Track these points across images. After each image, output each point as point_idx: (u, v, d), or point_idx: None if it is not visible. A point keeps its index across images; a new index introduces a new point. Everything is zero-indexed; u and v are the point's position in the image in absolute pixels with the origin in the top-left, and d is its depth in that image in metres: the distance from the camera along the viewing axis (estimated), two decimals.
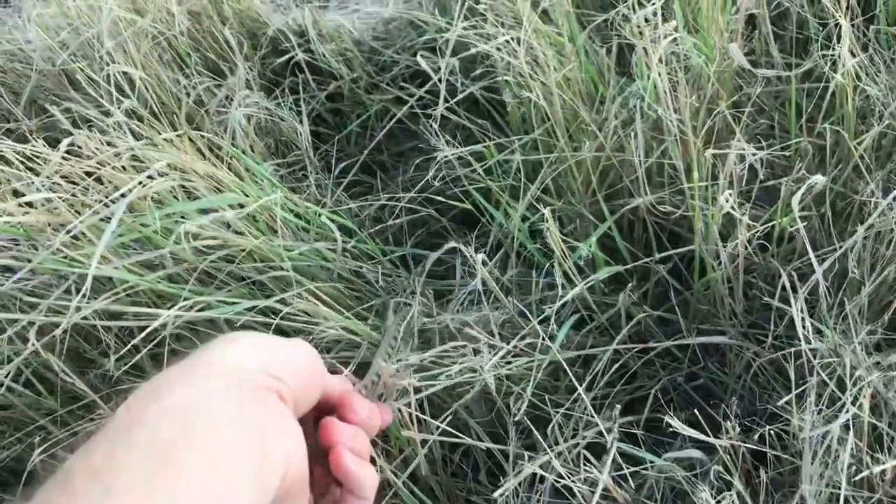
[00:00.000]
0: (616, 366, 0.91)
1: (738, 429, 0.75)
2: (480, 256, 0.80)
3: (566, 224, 1.02)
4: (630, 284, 0.89)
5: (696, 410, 0.95)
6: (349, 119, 1.27)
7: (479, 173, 0.94)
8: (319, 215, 0.86)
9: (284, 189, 0.91)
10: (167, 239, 0.80)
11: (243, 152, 1.07)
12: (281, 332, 0.86)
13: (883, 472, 0.70)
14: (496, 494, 0.74)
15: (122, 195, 0.70)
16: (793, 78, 0.86)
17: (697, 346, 0.95)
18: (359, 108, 1.28)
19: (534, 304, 0.87)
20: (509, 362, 0.82)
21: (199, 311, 0.78)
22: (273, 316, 0.82)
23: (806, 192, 0.89)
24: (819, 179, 0.71)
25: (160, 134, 0.86)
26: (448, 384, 0.80)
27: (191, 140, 0.83)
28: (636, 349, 0.91)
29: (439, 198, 1.04)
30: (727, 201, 0.71)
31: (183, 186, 0.79)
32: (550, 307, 0.86)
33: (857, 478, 0.68)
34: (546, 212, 0.76)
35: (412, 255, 1.09)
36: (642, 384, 0.97)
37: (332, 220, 0.91)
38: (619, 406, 0.79)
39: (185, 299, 0.76)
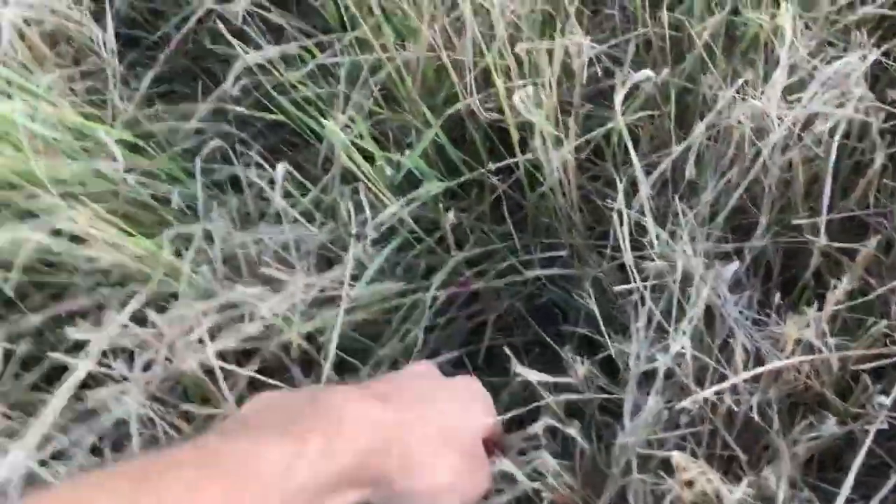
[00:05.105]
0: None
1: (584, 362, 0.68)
2: (281, 168, 0.69)
3: (402, 139, 0.92)
4: (441, 200, 0.80)
5: (543, 332, 0.89)
6: (169, 21, 1.12)
7: (287, 80, 0.83)
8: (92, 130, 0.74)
9: (52, 99, 0.77)
10: None
11: (24, 66, 0.92)
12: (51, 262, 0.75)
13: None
14: None
15: None
16: None
17: (539, 263, 0.87)
18: (179, 7, 1.12)
19: (352, 227, 0.77)
20: (321, 299, 0.73)
21: None
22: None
23: (641, 89, 0.82)
24: (646, 74, 0.62)
25: None
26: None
27: None
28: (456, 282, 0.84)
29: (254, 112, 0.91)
30: (523, 101, 0.61)
31: None
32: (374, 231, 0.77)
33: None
34: (328, 123, 0.65)
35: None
36: (484, 307, 0.90)
37: (122, 139, 0.78)
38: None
39: None
